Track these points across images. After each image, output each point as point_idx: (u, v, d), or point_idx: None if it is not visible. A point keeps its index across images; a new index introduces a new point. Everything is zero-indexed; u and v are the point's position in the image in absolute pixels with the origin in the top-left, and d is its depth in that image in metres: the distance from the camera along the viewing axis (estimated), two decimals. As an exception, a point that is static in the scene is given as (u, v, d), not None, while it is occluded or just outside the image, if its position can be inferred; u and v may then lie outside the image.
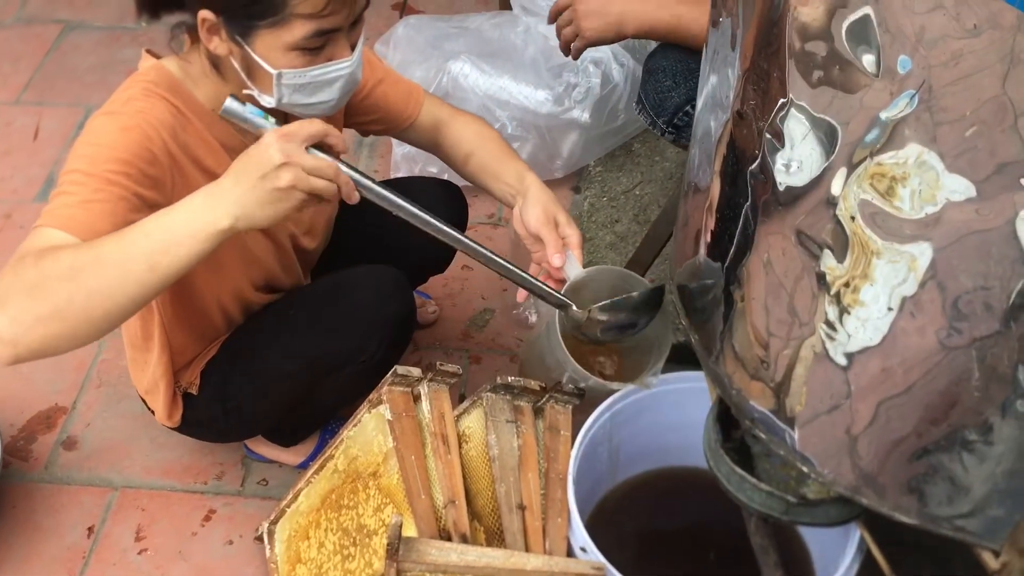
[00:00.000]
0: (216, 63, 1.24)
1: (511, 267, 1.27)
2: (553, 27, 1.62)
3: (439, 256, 1.69)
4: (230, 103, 1.11)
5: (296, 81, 1.20)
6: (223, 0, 1.15)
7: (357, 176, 1.12)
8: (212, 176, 1.29)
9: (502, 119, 2.07)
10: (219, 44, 1.19)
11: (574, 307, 1.30)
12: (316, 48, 1.18)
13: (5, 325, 1.04)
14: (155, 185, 1.19)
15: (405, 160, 2.10)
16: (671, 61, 1.52)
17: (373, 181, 1.14)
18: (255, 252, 1.41)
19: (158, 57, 1.29)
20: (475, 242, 1.23)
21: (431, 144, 1.57)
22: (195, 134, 1.26)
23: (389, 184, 1.17)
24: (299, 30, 1.15)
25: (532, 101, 2.07)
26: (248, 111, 1.12)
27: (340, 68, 1.22)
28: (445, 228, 1.20)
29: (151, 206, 1.17)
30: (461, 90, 2.08)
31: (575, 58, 1.62)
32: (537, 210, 1.38)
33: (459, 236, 1.22)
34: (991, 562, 0.92)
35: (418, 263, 1.65)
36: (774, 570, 1.16)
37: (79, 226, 1.10)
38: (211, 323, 1.45)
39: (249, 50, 1.18)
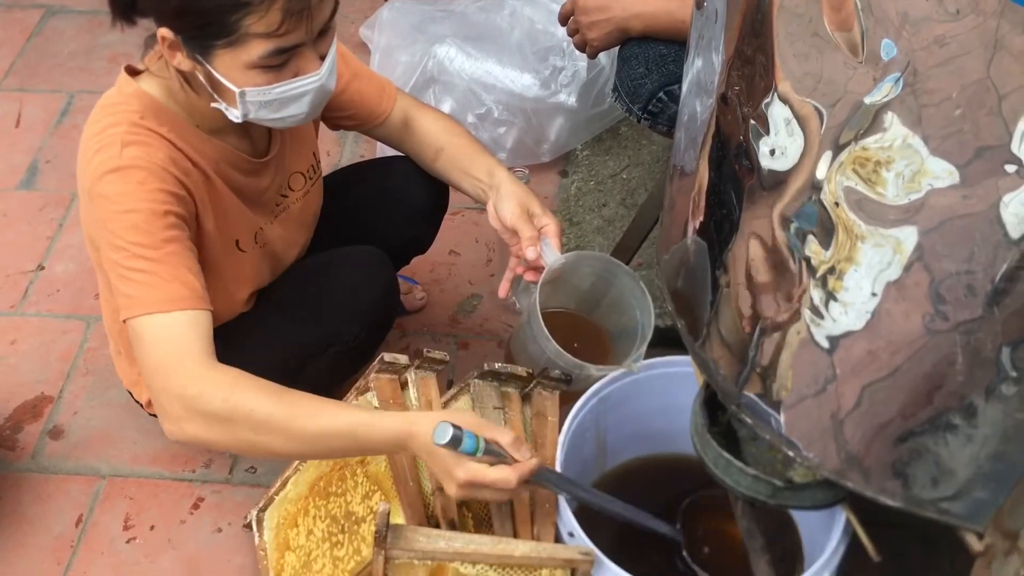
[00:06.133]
0: (186, 77, 1.23)
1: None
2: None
3: (420, 236, 1.68)
4: (444, 437, 1.05)
5: (260, 99, 1.18)
6: (177, 21, 1.13)
7: (536, 481, 1.14)
8: (202, 198, 1.29)
9: (488, 103, 2.06)
10: (182, 60, 1.18)
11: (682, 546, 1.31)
12: (279, 65, 1.16)
13: (188, 425, 1.15)
14: (187, 221, 1.23)
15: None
16: (643, 48, 1.54)
17: (558, 480, 1.19)
18: (249, 270, 1.41)
19: (136, 72, 1.26)
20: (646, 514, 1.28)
21: (400, 141, 1.56)
22: (187, 160, 1.26)
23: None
24: (255, 50, 1.13)
25: (518, 85, 2.06)
26: (462, 447, 1.06)
27: (307, 83, 1.19)
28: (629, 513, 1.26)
29: (193, 235, 1.24)
30: (447, 74, 2.07)
31: (592, 58, 1.72)
32: (511, 203, 1.38)
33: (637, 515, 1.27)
34: (975, 544, 0.93)
35: (400, 244, 1.64)
36: (760, 553, 1.17)
37: (181, 300, 1.18)
38: None
39: (210, 68, 1.16)
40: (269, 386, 1.15)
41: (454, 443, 1.05)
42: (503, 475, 1.09)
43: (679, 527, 1.26)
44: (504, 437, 1.11)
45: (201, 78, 1.20)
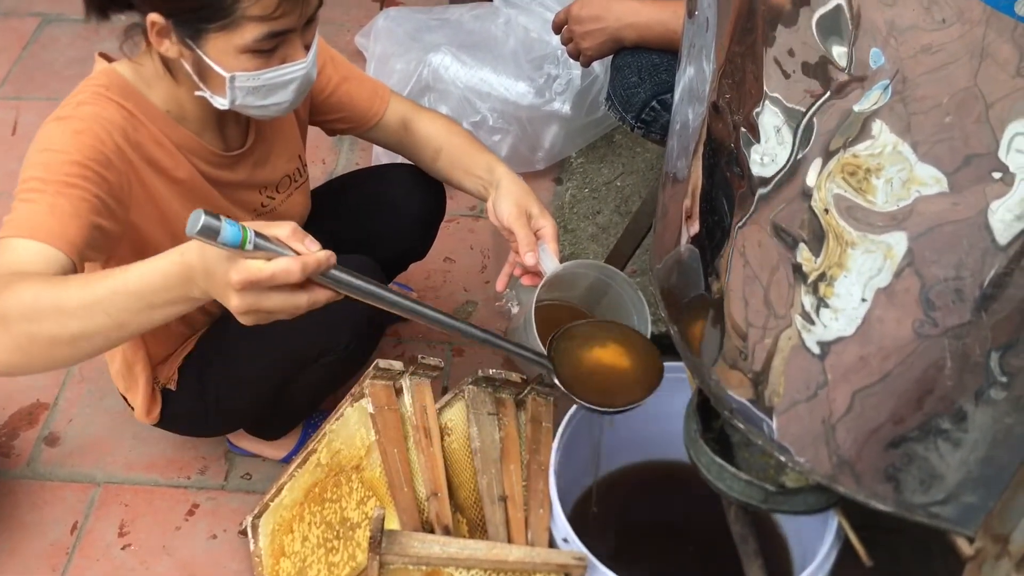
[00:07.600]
0: (168, 65, 1.23)
1: (504, 343, 1.18)
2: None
3: (417, 243, 1.69)
4: (196, 225, 0.85)
5: (249, 84, 1.19)
6: (171, 4, 1.13)
7: (331, 281, 0.98)
8: (168, 177, 1.28)
9: (483, 111, 2.07)
10: (170, 47, 1.18)
11: (557, 381, 1.24)
12: (269, 50, 1.17)
13: None
14: (110, 188, 1.18)
15: (386, 153, 2.10)
16: (636, 57, 1.55)
17: (349, 277, 1.00)
18: None
19: (111, 60, 1.27)
20: (463, 322, 1.10)
21: (398, 143, 1.56)
22: (148, 136, 1.25)
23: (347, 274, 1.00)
24: (250, 33, 1.14)
25: (513, 93, 2.07)
26: (221, 237, 0.87)
27: (294, 70, 1.21)
28: (433, 314, 1.06)
29: (108, 208, 1.17)
30: (442, 82, 2.08)
31: (585, 67, 1.73)
32: (508, 203, 1.38)
33: (452, 321, 1.07)
34: (966, 548, 0.93)
35: (397, 251, 1.65)
36: (753, 558, 1.17)
37: (47, 233, 1.09)
38: (187, 320, 1.46)
39: (201, 53, 1.16)
40: (47, 276, 1.03)
41: (210, 233, 0.86)
42: (283, 265, 0.91)
43: (549, 356, 1.23)
44: (282, 230, 0.94)
45: (187, 66, 1.20)
